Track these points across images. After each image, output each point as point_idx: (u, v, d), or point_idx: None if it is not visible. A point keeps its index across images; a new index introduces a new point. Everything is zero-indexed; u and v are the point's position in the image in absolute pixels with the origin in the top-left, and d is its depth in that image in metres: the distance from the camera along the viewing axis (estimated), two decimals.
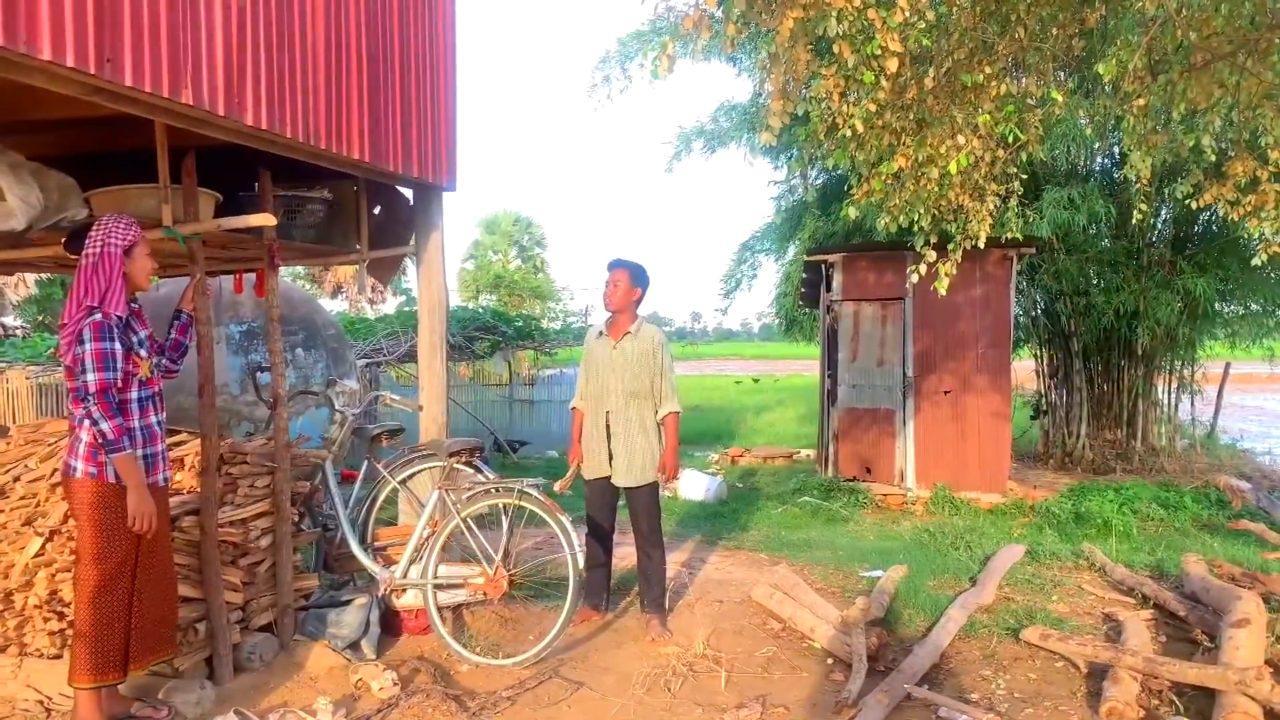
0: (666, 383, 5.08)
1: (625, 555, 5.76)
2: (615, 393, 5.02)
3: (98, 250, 3.53)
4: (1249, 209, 5.01)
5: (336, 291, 32.07)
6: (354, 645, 4.59)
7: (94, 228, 3.59)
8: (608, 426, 5.05)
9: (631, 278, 5.07)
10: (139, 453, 3.55)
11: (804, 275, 11.56)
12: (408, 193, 5.83)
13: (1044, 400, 12.45)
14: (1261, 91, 4.82)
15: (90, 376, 3.40)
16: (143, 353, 3.65)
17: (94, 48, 3.06)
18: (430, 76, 5.46)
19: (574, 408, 5.30)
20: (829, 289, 10.08)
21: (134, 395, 3.58)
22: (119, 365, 3.47)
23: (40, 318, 20.31)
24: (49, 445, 4.49)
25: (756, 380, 29.94)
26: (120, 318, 3.54)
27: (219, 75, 3.67)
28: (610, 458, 5.06)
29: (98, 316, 3.45)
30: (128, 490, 3.48)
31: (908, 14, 3.78)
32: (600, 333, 5.19)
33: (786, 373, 35.72)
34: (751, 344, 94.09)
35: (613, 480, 5.06)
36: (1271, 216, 4.93)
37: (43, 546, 4.06)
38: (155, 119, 3.68)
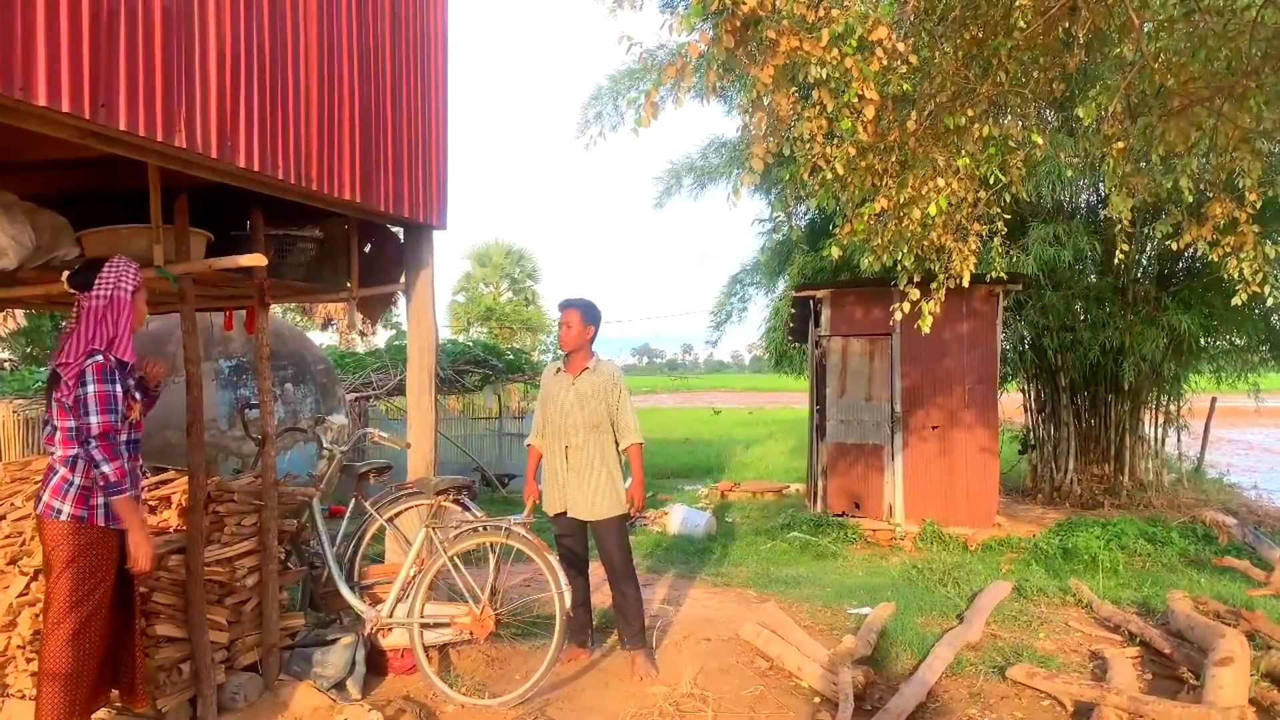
0: (627, 415, 5.12)
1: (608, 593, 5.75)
2: (575, 428, 5.06)
3: (108, 294, 3.52)
4: (1228, 249, 5.09)
5: (327, 324, 32.02)
6: (339, 685, 4.57)
7: (106, 268, 3.57)
8: (567, 461, 5.07)
9: (583, 316, 5.14)
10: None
11: (792, 310, 11.64)
12: (398, 230, 5.88)
13: (1031, 435, 12.51)
14: (1238, 135, 4.92)
15: (94, 419, 3.39)
16: (137, 395, 3.66)
17: (89, 93, 3.11)
18: (422, 119, 5.53)
19: (530, 444, 5.34)
20: (817, 324, 10.15)
21: (124, 439, 3.58)
22: (120, 408, 3.48)
23: (29, 350, 20.23)
24: (35, 483, 4.47)
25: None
26: (124, 362, 3.55)
27: (212, 119, 3.73)
28: (571, 492, 5.07)
29: (99, 359, 3.45)
30: (130, 531, 3.48)
31: (885, 62, 3.86)
32: (558, 369, 5.25)
33: (776, 406, 35.79)
34: (742, 376, 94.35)
35: (573, 514, 5.07)
36: (1250, 257, 5.02)
37: (27, 586, 4.04)
38: (149, 161, 3.72)
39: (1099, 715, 4.10)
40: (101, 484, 3.41)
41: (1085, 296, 10.92)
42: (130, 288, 3.59)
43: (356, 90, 4.83)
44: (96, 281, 3.55)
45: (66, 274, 3.71)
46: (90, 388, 3.41)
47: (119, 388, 3.48)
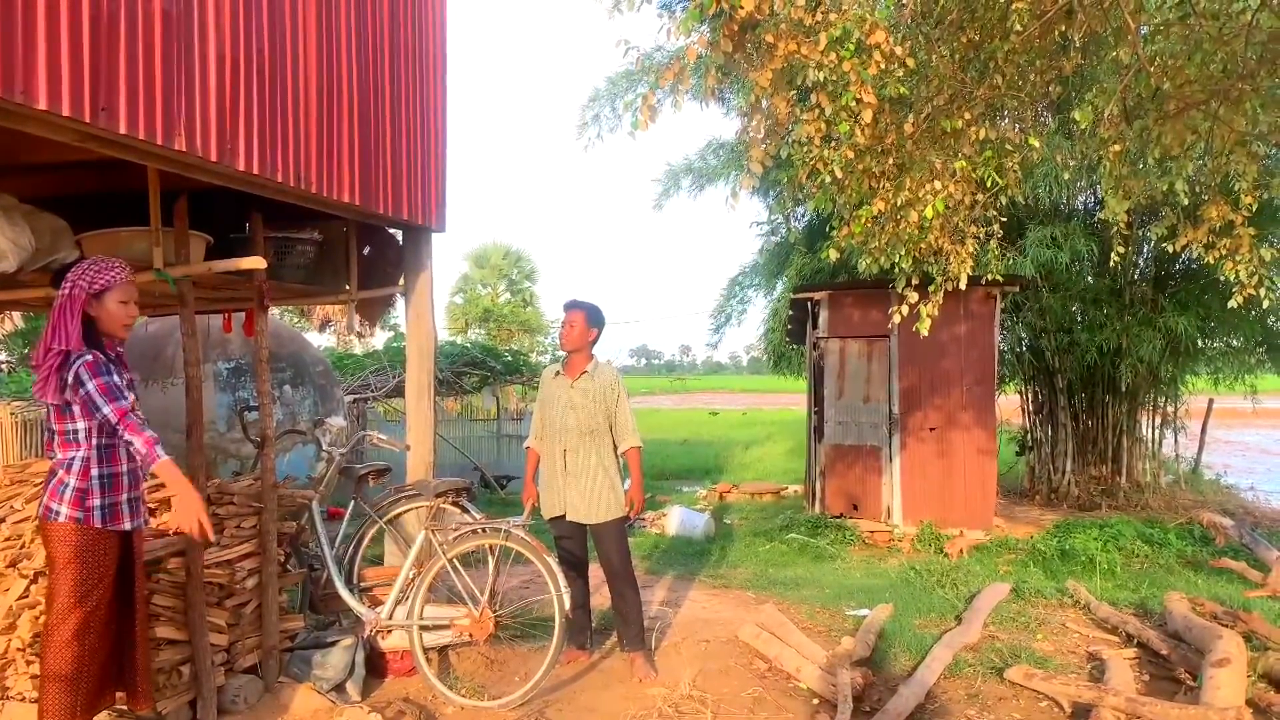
0: (625, 418, 5.13)
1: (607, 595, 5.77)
2: (573, 431, 5.07)
3: (67, 291, 3.51)
4: (1224, 252, 5.11)
5: (325, 325, 32.01)
6: (339, 687, 4.57)
7: (75, 267, 3.57)
8: (565, 464, 5.08)
9: (587, 318, 5.15)
10: (123, 497, 3.56)
11: (790, 312, 11.65)
12: (397, 233, 5.89)
13: (1029, 436, 12.53)
14: (1234, 138, 4.93)
15: (106, 409, 3.39)
16: (131, 395, 3.67)
17: (89, 97, 3.12)
18: (421, 121, 5.54)
19: (529, 447, 5.35)
20: (815, 326, 10.17)
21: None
22: (125, 394, 3.48)
23: (27, 351, 20.22)
24: (35, 485, 4.48)
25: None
26: (109, 357, 3.55)
27: (212, 122, 3.74)
28: (570, 494, 5.09)
29: (89, 356, 3.45)
30: (177, 491, 3.45)
31: (883, 65, 3.87)
32: (557, 372, 5.26)
33: (775, 407, 35.81)
34: (740, 378, 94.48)
35: (572, 518, 5.08)
36: (1246, 260, 5.03)
37: (26, 588, 4.05)
38: (148, 164, 3.73)
39: (1096, 716, 4.12)
40: (140, 459, 3.43)
41: (1083, 298, 10.94)
42: (87, 287, 3.51)
43: (355, 93, 4.84)
44: (62, 281, 3.54)
45: (51, 278, 3.71)
46: (90, 384, 3.41)
47: (116, 377, 3.48)
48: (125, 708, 3.78)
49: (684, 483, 14.91)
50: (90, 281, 3.52)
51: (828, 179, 4.46)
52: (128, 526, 3.58)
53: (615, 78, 12.65)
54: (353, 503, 5.43)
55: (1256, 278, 5.08)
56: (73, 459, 3.47)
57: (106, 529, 3.50)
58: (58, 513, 3.45)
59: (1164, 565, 7.87)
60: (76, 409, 3.46)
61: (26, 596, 4.03)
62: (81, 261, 3.62)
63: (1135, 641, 5.48)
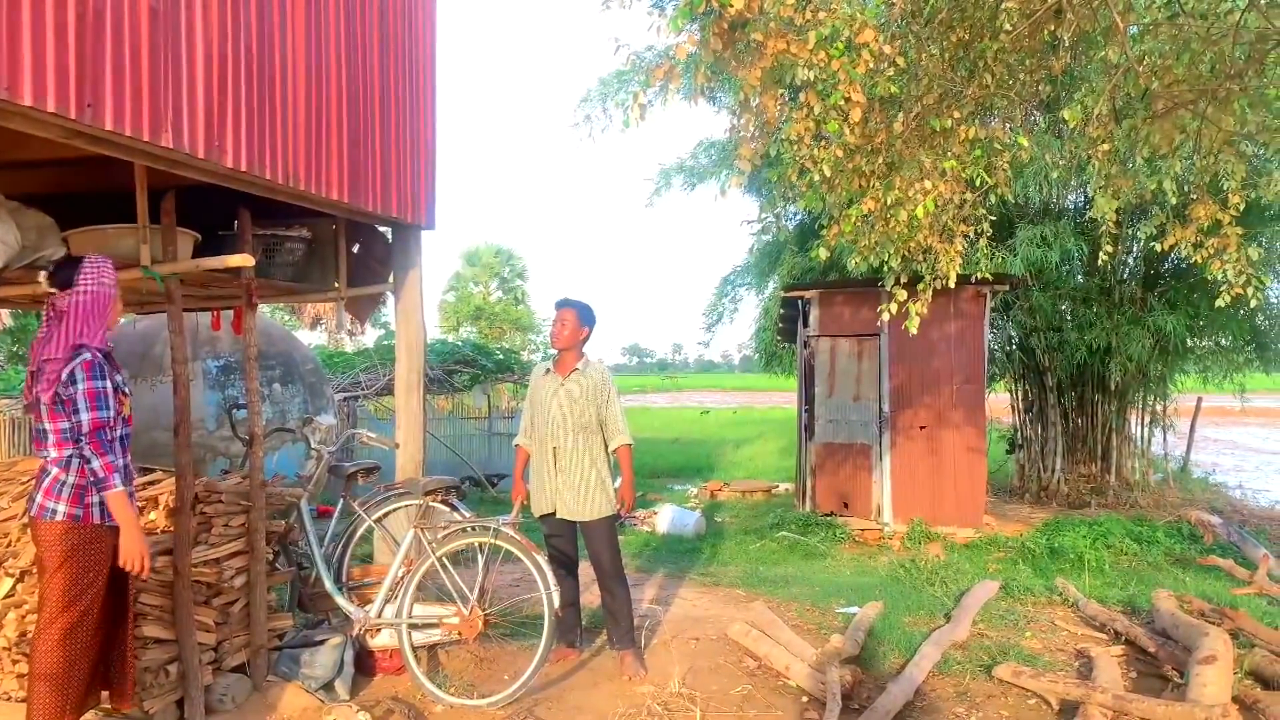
0: (616, 417, 5.14)
1: (597, 593, 5.76)
2: (565, 428, 5.07)
3: (93, 289, 3.54)
4: (1211, 251, 5.13)
5: (315, 323, 31.98)
6: (328, 686, 4.56)
7: (86, 264, 3.59)
8: (555, 462, 5.08)
9: (579, 317, 5.16)
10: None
11: (781, 310, 11.66)
12: (386, 230, 5.87)
13: (1019, 434, 12.57)
14: (1222, 138, 4.95)
15: (84, 416, 3.39)
16: (126, 390, 3.66)
17: (75, 93, 3.10)
18: (410, 118, 5.53)
19: (518, 445, 5.34)
20: (806, 324, 10.18)
21: (118, 434, 3.58)
22: (110, 403, 3.47)
23: (15, 349, 20.10)
24: (21, 484, 4.46)
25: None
26: (104, 354, 3.55)
27: (199, 118, 3.72)
28: (560, 492, 5.08)
29: (87, 356, 3.45)
30: (121, 529, 3.47)
31: (872, 64, 3.88)
32: (547, 370, 5.26)
33: (767, 405, 35.87)
34: (732, 376, 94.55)
35: (562, 515, 5.08)
36: (1233, 259, 5.05)
37: (13, 587, 4.03)
38: (135, 161, 3.71)
39: (1084, 713, 4.13)
40: (92, 480, 3.42)
41: (1072, 297, 10.98)
42: (111, 284, 3.61)
43: (344, 90, 4.82)
44: (79, 279, 3.54)
45: (44, 274, 3.70)
46: (80, 385, 3.40)
47: (109, 383, 3.48)
48: (110, 707, 3.77)
49: (675, 481, 14.92)
50: (111, 279, 3.62)
51: (817, 178, 4.47)
52: None
53: (607, 78, 12.65)
54: (342, 501, 5.41)
55: (1244, 277, 5.09)
56: (70, 456, 3.46)
57: (105, 525, 3.49)
58: (54, 511, 3.43)
59: (1152, 563, 7.91)
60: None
61: (13, 595, 4.01)
62: (85, 260, 3.62)
63: (1123, 639, 5.50)
